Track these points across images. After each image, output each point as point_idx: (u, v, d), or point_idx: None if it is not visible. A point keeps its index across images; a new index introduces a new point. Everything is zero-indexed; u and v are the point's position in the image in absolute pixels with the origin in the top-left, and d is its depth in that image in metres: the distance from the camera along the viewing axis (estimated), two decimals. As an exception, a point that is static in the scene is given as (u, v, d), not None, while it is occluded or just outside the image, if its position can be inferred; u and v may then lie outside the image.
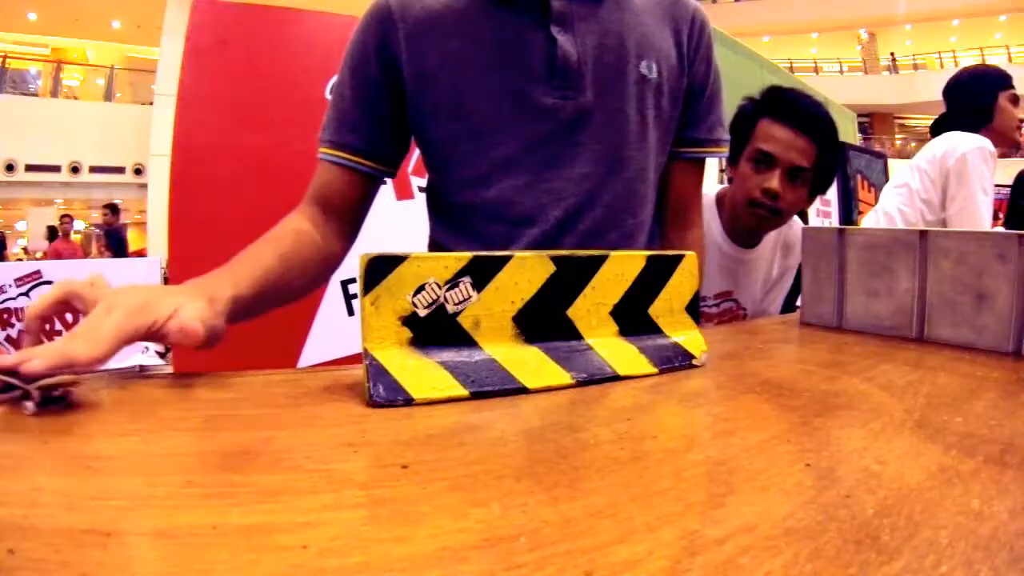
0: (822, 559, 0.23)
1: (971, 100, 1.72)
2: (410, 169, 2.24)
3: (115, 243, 7.33)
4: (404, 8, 0.70)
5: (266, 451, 0.33)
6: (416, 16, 0.70)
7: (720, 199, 1.21)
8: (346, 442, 0.35)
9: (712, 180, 1.79)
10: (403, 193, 2.25)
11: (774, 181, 1.07)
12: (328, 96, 2.16)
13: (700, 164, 0.85)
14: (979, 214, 1.55)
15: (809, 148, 1.06)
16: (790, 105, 1.08)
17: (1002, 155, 1.72)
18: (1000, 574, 0.22)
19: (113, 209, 7.45)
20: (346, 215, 0.77)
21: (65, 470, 0.31)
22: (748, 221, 1.13)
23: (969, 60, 17.26)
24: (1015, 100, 1.69)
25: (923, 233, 0.63)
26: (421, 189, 2.30)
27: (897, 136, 18.59)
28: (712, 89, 0.81)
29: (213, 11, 2.01)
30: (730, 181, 1.17)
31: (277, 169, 2.04)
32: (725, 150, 0.84)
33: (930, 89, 16.55)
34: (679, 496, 0.28)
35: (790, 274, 1.27)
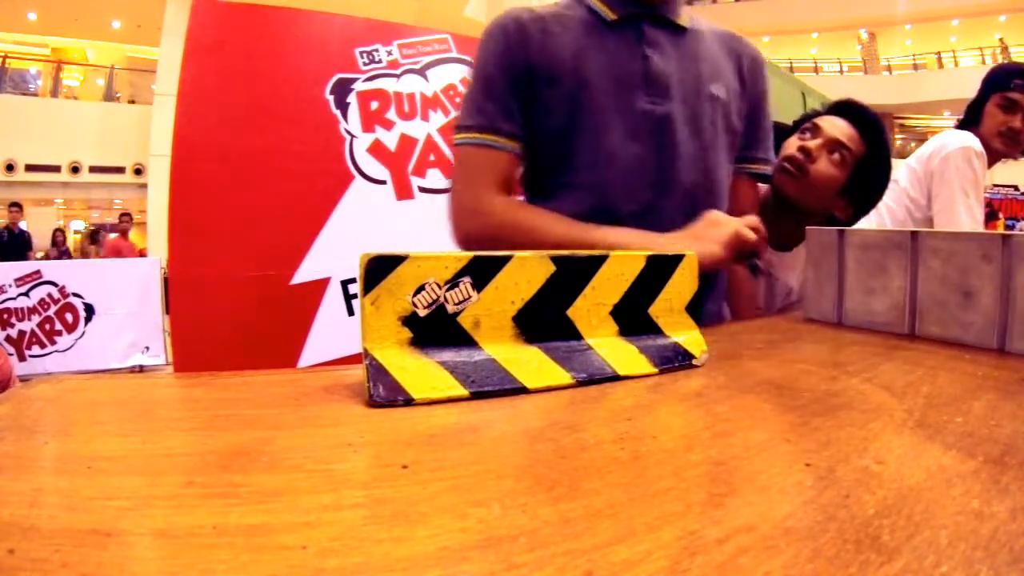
0: (822, 559, 0.23)
1: (974, 99, 1.70)
2: (410, 169, 2.24)
3: (17, 244, 6.47)
4: (531, 20, 0.87)
5: (266, 451, 0.33)
6: (542, 28, 0.86)
7: None
8: (346, 442, 0.35)
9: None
10: (403, 193, 2.25)
11: (812, 143, 1.11)
12: (329, 96, 2.15)
13: (757, 180, 1.02)
14: (959, 215, 1.53)
15: (857, 138, 1.11)
16: (850, 105, 1.17)
17: (1010, 157, 1.67)
18: (1000, 574, 0.22)
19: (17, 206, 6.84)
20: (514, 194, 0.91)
21: (65, 470, 0.31)
22: (776, 183, 1.15)
23: (969, 60, 17.27)
24: (1007, 105, 1.61)
25: (914, 234, 0.65)
26: (422, 189, 2.30)
27: (897, 136, 18.57)
28: (768, 117, 0.99)
29: (213, 11, 2.01)
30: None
31: (277, 169, 2.04)
32: (772, 168, 1.02)
33: (930, 89, 16.56)
34: (679, 496, 0.28)
35: None
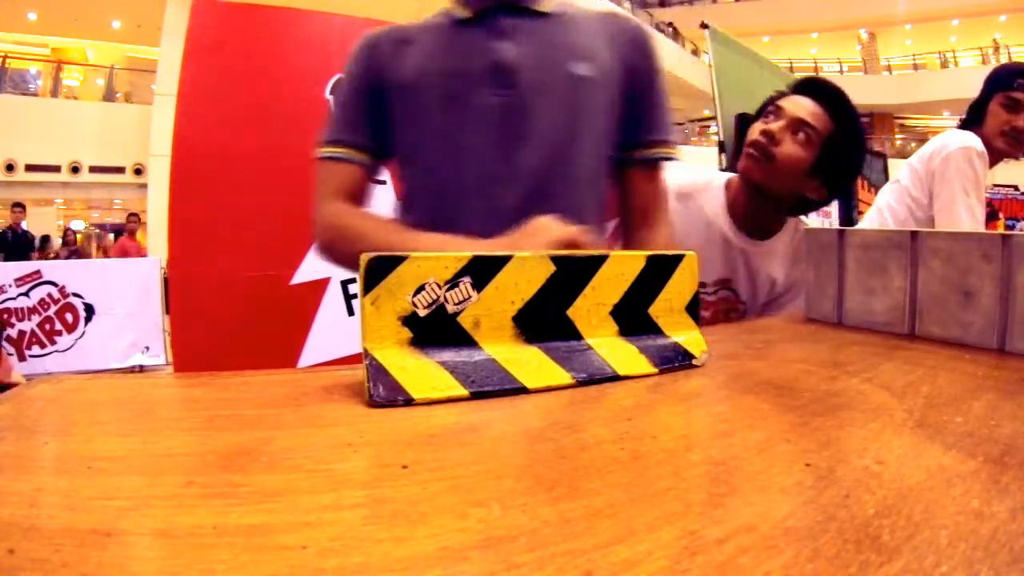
0: (822, 559, 0.23)
1: (976, 98, 1.69)
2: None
3: (20, 244, 6.57)
4: (388, 35, 0.88)
5: (266, 451, 0.33)
6: (399, 41, 0.87)
7: (728, 186, 1.20)
8: (346, 442, 0.35)
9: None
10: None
11: (775, 125, 1.08)
12: (328, 96, 2.15)
13: (656, 166, 0.93)
14: (959, 215, 1.53)
15: (822, 115, 1.07)
16: (813, 83, 1.13)
17: (1013, 156, 1.67)
18: (1000, 574, 0.22)
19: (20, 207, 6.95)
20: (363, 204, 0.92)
21: (65, 470, 0.31)
22: (741, 170, 1.13)
23: (969, 60, 17.26)
24: (1010, 104, 1.60)
25: (914, 234, 0.65)
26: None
27: (897, 136, 18.57)
28: (659, 96, 0.91)
29: (213, 11, 2.01)
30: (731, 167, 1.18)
31: (277, 169, 2.04)
32: (676, 152, 0.93)
33: (930, 89, 16.56)
34: (679, 496, 0.28)
35: (797, 290, 1.20)
